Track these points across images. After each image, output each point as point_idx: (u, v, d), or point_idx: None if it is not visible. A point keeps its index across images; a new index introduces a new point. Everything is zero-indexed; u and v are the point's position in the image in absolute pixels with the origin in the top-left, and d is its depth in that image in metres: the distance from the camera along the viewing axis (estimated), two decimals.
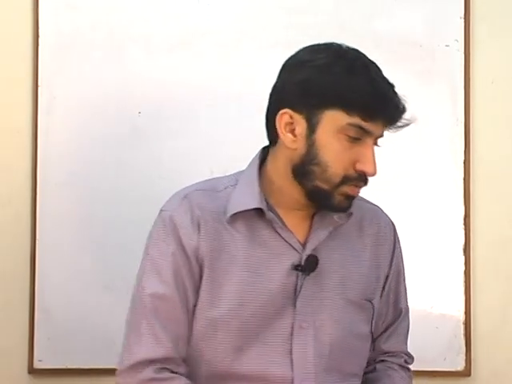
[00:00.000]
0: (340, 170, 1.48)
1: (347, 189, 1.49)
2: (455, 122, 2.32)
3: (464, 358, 2.30)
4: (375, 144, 1.52)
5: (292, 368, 1.52)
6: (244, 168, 1.63)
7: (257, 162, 1.60)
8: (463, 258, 2.31)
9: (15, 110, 2.24)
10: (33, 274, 2.21)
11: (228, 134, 2.26)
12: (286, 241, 1.55)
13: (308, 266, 1.53)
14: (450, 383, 2.32)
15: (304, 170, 1.50)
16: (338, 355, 1.56)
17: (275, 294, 1.52)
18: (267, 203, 1.55)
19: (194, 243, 1.53)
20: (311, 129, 1.49)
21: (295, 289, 1.53)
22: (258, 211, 1.55)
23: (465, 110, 2.31)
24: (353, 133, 1.47)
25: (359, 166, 1.48)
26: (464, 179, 2.32)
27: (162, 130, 2.26)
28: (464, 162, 2.32)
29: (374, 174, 1.49)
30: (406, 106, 1.50)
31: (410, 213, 2.28)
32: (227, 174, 1.66)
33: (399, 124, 1.51)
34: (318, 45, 1.53)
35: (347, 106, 1.45)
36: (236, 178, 1.61)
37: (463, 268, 2.31)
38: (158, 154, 2.25)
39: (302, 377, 1.52)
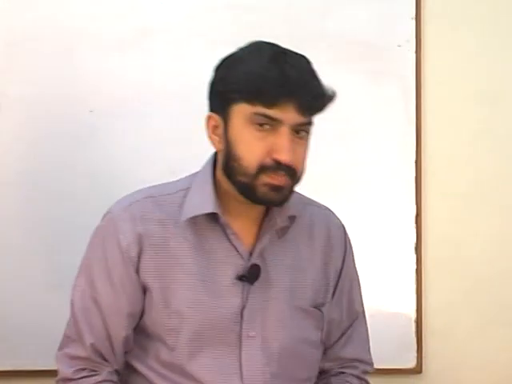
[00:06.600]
0: (253, 160, 1.46)
1: (267, 178, 1.46)
2: (407, 121, 2.33)
3: (415, 355, 2.32)
4: (297, 132, 1.48)
5: (241, 378, 1.51)
6: (195, 170, 1.62)
7: (210, 165, 1.58)
8: (415, 256, 2.32)
9: None
10: None
11: (181, 133, 2.25)
12: (236, 248, 1.54)
13: (251, 275, 1.52)
14: (402, 380, 2.34)
15: (228, 167, 1.50)
16: (288, 362, 1.56)
17: (222, 305, 1.51)
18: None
19: (133, 255, 1.53)
20: (226, 127, 1.49)
21: (242, 298, 1.52)
22: (208, 217, 1.53)
23: (416, 110, 2.33)
24: (261, 121, 1.45)
25: (274, 155, 1.45)
26: (415, 178, 2.33)
27: (113, 129, 2.23)
28: (415, 162, 2.33)
29: (289, 162, 1.45)
30: (329, 91, 1.48)
31: (361, 212, 2.29)
32: (182, 177, 1.64)
33: (315, 108, 1.47)
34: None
35: (247, 96, 1.45)
36: (189, 181, 1.59)
37: (415, 266, 2.32)
38: (110, 153, 2.23)
39: None
